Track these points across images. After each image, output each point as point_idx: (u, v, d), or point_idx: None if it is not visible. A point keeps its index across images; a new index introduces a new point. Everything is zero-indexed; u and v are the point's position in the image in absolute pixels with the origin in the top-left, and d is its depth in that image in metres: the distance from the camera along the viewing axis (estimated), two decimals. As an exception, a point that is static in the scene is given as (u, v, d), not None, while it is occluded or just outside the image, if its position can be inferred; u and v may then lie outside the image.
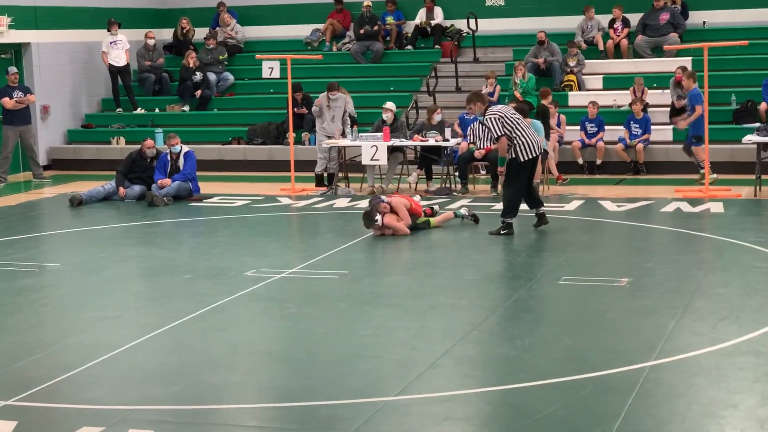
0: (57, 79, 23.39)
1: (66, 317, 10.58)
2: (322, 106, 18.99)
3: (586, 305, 10.53)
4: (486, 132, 14.08)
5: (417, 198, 15.40)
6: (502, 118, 13.82)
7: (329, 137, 18.86)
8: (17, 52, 22.68)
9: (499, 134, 13.80)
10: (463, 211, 15.20)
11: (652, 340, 9.03)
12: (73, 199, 17.68)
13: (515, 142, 13.77)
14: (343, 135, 18.81)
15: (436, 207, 15.42)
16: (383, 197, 14.41)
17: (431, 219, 14.77)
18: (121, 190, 18.06)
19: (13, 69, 21.21)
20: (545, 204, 15.78)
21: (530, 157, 13.87)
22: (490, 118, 13.84)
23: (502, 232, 13.96)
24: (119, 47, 23.63)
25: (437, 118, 18.82)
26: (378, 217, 13.99)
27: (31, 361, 8.96)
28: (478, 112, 14.07)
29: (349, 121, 19.10)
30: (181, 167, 18.12)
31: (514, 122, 13.87)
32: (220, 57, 24.51)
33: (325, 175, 18.96)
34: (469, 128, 18.72)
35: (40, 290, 11.76)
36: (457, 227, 14.81)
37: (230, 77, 24.54)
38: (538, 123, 18.07)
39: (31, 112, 21.66)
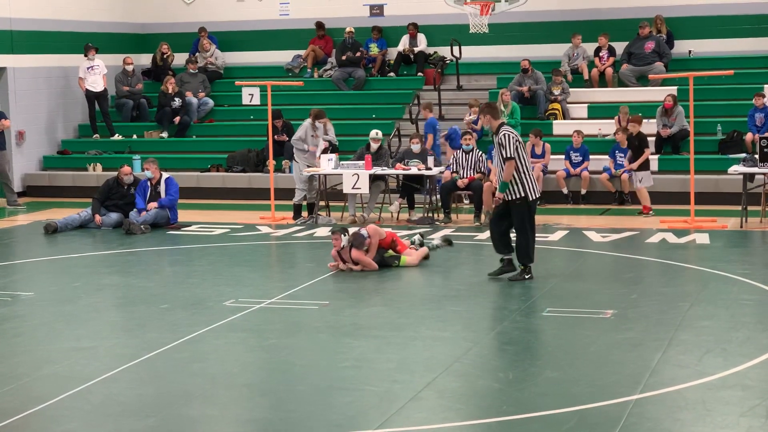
0: (33, 104, 23.21)
1: (39, 348, 10.41)
2: (307, 136, 18.75)
3: (570, 337, 10.42)
4: (497, 150, 12.89)
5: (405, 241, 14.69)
6: (517, 141, 12.65)
7: (310, 166, 18.64)
8: (-7, 76, 22.54)
9: (511, 155, 12.55)
10: (435, 242, 14.94)
11: (637, 374, 8.95)
12: (48, 227, 17.47)
13: (522, 177, 12.64)
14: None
15: (415, 241, 14.94)
16: (366, 234, 13.84)
17: (403, 257, 14.05)
18: (97, 217, 17.86)
19: (-13, 95, 21.07)
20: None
21: (537, 196, 12.90)
22: (507, 135, 12.57)
23: (526, 276, 12.91)
24: (96, 72, 23.48)
25: (415, 147, 18.60)
26: (345, 238, 13.56)
27: (3, 392, 8.82)
28: (488, 125, 13.17)
29: (330, 138, 18.94)
30: (162, 193, 17.92)
31: (524, 154, 12.73)
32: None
33: (304, 203, 18.74)
34: (452, 157, 18.64)
35: (12, 320, 11.58)
36: (439, 257, 14.65)
37: (210, 102, 24.41)
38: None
39: (6, 138, 21.47)
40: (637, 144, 18.99)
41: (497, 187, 12.99)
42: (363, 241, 13.67)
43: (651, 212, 18.42)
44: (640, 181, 18.64)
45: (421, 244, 14.78)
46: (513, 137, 12.59)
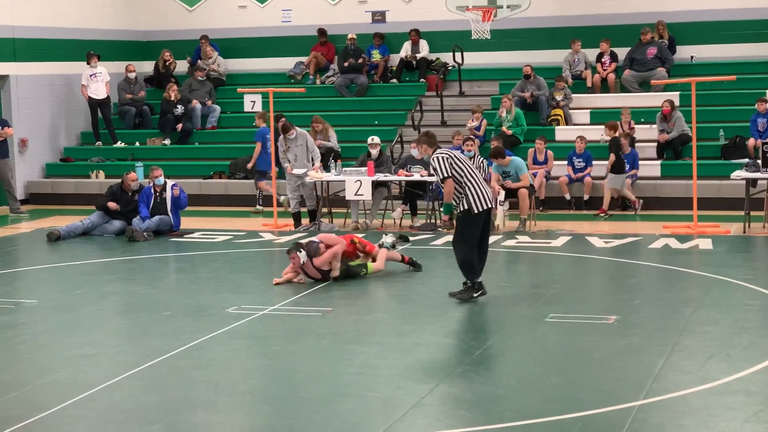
0: (35, 112, 23.22)
1: (42, 355, 10.40)
2: (283, 150, 18.51)
3: (573, 343, 10.40)
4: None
5: (361, 235, 14.45)
6: (450, 158, 12.16)
7: (297, 176, 18.46)
8: (-5, 84, 22.55)
9: (446, 175, 12.08)
10: (389, 240, 14.57)
11: (641, 379, 8.93)
12: (51, 235, 17.46)
13: (466, 190, 12.13)
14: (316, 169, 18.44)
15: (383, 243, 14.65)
16: (316, 240, 13.53)
17: (369, 264, 13.81)
18: (111, 203, 17.88)
19: (-10, 102, 21.07)
20: (531, 240, 15.69)
21: (484, 208, 12.18)
22: (436, 158, 12.18)
23: (475, 295, 12.22)
24: (99, 80, 23.50)
25: (415, 152, 18.57)
26: (303, 253, 13.32)
27: (6, 400, 8.81)
28: (425, 155, 12.62)
29: (317, 156, 18.68)
30: (167, 200, 17.89)
31: (465, 168, 12.22)
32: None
33: (303, 210, 18.63)
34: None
35: (15, 327, 11.56)
36: (441, 263, 14.63)
37: (217, 108, 24.40)
38: (519, 160, 17.99)
39: (9, 146, 21.47)
40: (612, 150, 19.32)
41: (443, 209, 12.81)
42: (317, 246, 13.38)
43: (605, 215, 19.00)
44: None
45: (393, 245, 14.59)
46: (445, 157, 12.13)
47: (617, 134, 19.71)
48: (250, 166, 20.92)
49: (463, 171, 12.16)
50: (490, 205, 12.27)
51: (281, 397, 8.80)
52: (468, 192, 12.13)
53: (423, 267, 14.16)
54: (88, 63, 23.44)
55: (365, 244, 13.94)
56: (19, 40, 22.77)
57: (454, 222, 12.60)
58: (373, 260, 13.92)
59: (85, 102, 23.81)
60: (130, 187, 18.25)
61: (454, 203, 12.27)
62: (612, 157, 19.22)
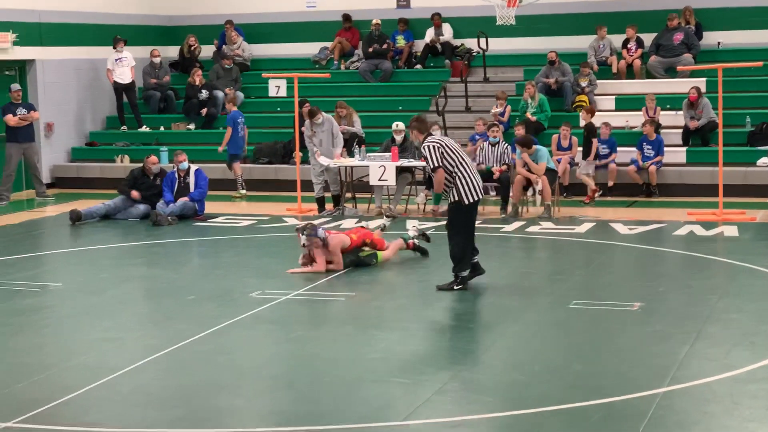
0: (61, 97, 23.30)
1: (67, 338, 10.47)
2: (309, 135, 18.52)
3: (596, 330, 10.39)
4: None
5: (376, 233, 14.12)
6: (442, 147, 11.95)
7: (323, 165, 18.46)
8: (21, 68, 22.60)
9: (437, 165, 11.84)
10: (411, 232, 14.37)
11: (665, 367, 8.91)
12: (72, 214, 17.53)
13: (456, 180, 11.90)
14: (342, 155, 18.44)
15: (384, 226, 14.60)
16: (322, 233, 13.31)
17: (379, 253, 13.68)
18: (134, 192, 17.97)
19: (16, 86, 21.10)
20: (555, 226, 15.64)
21: (475, 199, 11.99)
22: (427, 146, 11.94)
23: (456, 287, 12.00)
24: (124, 64, 23.55)
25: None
26: (303, 239, 13.21)
27: (32, 382, 8.88)
28: (417, 141, 12.52)
29: (340, 143, 18.69)
30: (191, 185, 17.97)
31: (457, 157, 11.97)
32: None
33: (327, 195, 18.66)
34: (479, 148, 18.63)
35: (41, 311, 11.63)
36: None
37: (240, 95, 24.41)
38: (543, 149, 17.93)
39: (35, 130, 21.54)
40: (586, 135, 19.38)
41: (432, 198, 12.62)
42: (315, 232, 13.19)
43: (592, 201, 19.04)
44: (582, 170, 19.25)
45: (383, 229, 14.49)
46: (436, 146, 11.92)
47: (646, 122, 19.72)
48: (220, 149, 20.90)
49: (454, 160, 11.95)
50: (481, 196, 12.09)
51: (304, 382, 8.81)
52: (458, 182, 11.92)
53: (447, 253, 14.06)
54: (115, 47, 23.50)
55: (376, 242, 13.78)
56: (45, 24, 22.83)
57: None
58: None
59: (110, 86, 23.86)
60: (151, 170, 18.30)
61: (445, 193, 12.11)
62: (594, 142, 19.41)
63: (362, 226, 14.90)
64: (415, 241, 14.15)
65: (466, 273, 12.06)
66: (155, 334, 10.51)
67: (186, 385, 8.81)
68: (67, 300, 12.20)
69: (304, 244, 13.27)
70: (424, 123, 12.44)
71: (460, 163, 11.95)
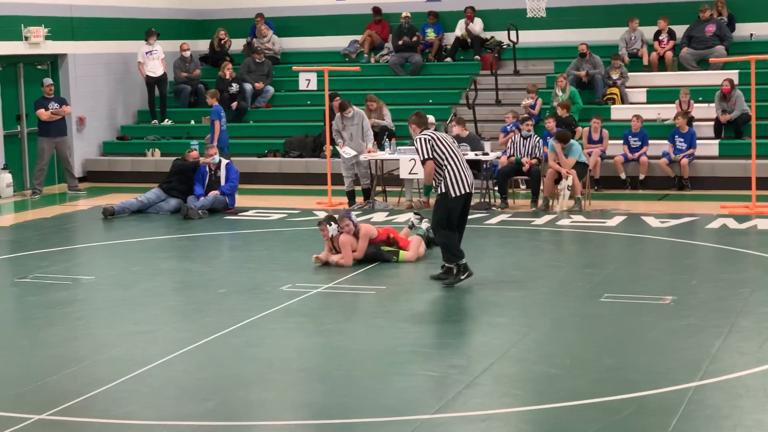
0: (93, 91, 23.40)
1: (100, 331, 10.51)
2: (338, 129, 18.49)
3: (628, 323, 10.34)
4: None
5: (403, 232, 14.07)
6: (432, 140, 12.09)
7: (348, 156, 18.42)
8: (53, 63, 22.71)
9: (426, 157, 12.02)
10: (422, 224, 14.15)
11: (697, 360, 8.87)
12: (105, 211, 17.61)
13: (444, 173, 12.01)
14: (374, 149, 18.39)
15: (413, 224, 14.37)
16: (355, 218, 13.44)
17: (401, 252, 13.55)
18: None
19: (48, 80, 21.21)
20: (586, 219, 15.58)
21: (461, 192, 12.02)
22: (418, 139, 12.15)
23: (462, 277, 12.05)
24: (155, 57, 23.61)
25: (462, 131, 18.55)
26: (333, 228, 13.22)
27: (65, 375, 8.94)
28: (413, 135, 12.51)
29: (370, 137, 18.66)
30: (222, 179, 18.02)
31: (447, 150, 12.10)
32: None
33: (357, 189, 18.64)
34: (510, 141, 18.59)
35: (74, 303, 11.70)
36: (495, 242, 14.57)
37: (270, 89, 24.45)
38: (577, 144, 17.88)
39: (67, 124, 21.63)
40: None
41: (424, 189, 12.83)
42: (350, 215, 13.28)
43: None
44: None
45: (412, 227, 14.40)
46: (427, 138, 12.09)
47: (678, 114, 19.59)
48: (214, 143, 20.78)
49: (444, 154, 12.09)
50: (468, 190, 12.13)
51: (334, 375, 8.82)
52: (446, 175, 12.03)
53: (477, 246, 14.07)
54: (147, 41, 23.57)
55: (399, 240, 13.71)
56: (76, 19, 22.93)
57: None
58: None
59: (141, 80, 23.94)
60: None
61: (434, 185, 12.23)
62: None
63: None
64: (429, 233, 14.04)
65: (463, 260, 12.08)
66: (186, 327, 10.55)
67: (217, 377, 8.83)
68: (99, 293, 12.27)
69: (332, 235, 13.26)
70: (422, 118, 12.59)
71: (450, 157, 12.10)
